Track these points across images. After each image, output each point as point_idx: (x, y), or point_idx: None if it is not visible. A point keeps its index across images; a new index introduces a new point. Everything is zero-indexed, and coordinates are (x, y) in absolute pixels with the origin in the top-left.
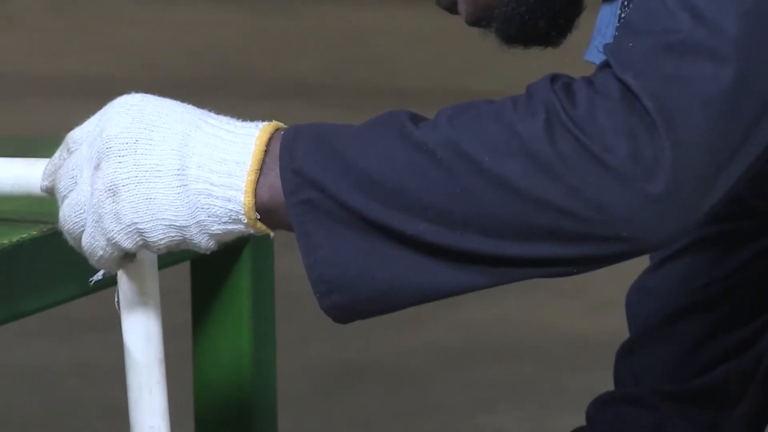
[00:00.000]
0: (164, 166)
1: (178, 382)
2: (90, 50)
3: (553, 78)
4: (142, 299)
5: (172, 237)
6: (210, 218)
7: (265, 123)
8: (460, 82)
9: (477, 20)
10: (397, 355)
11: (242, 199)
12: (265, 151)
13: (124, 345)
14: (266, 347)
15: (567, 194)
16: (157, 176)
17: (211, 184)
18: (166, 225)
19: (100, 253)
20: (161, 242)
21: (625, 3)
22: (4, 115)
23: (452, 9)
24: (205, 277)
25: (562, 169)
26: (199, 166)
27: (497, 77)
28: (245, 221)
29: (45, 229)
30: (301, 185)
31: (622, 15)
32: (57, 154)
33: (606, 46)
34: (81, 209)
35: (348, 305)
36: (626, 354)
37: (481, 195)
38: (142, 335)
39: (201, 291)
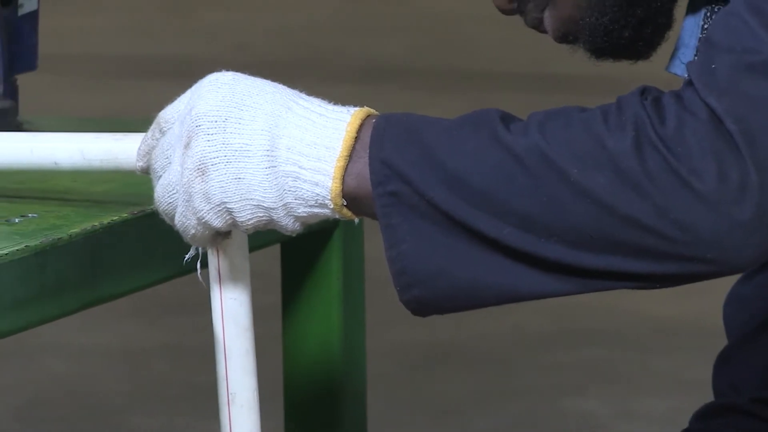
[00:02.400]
0: (253, 146)
1: (267, 364)
2: (180, 31)
3: (643, 91)
4: (233, 277)
5: (260, 217)
6: (296, 201)
7: (357, 108)
8: (546, 66)
9: (564, 36)
10: (483, 339)
11: (330, 184)
12: (356, 137)
13: (213, 323)
14: (356, 329)
15: (653, 213)
16: (246, 156)
17: (300, 167)
18: (254, 205)
19: (192, 231)
20: (249, 222)
21: (708, 14)
22: (95, 96)
23: (539, 27)
24: (295, 260)
25: (649, 188)
26: (289, 148)
27: (582, 62)
28: (331, 206)
29: (135, 212)
30: (388, 177)
31: (705, 26)
32: (149, 134)
33: (689, 66)
34: (173, 189)
35: (427, 300)
36: (723, 362)
37: (566, 206)
38: (231, 313)
39: (291, 273)
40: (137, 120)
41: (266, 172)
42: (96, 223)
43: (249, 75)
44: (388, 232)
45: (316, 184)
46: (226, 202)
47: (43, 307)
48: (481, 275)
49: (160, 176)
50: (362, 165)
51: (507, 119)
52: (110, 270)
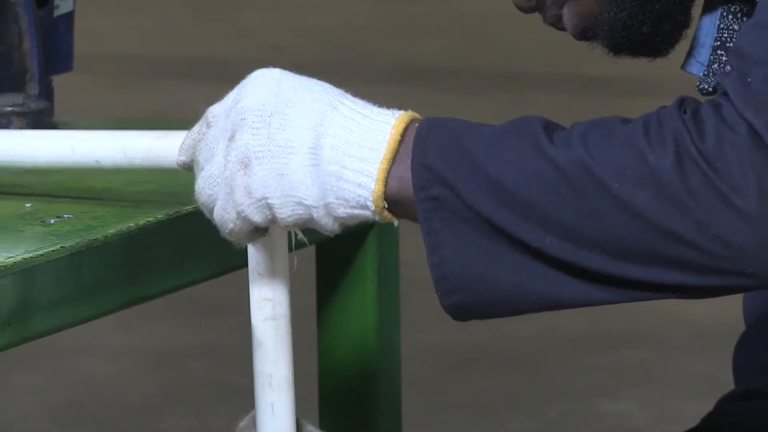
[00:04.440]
0: (298, 143)
1: (302, 366)
2: (215, 32)
3: (682, 102)
4: (271, 274)
5: (300, 215)
6: (338, 201)
7: (402, 112)
8: (580, 68)
9: (583, 32)
10: (517, 340)
11: (372, 186)
12: (400, 141)
13: (251, 318)
14: (390, 330)
15: (694, 228)
16: (290, 152)
17: (344, 167)
18: (295, 202)
19: (231, 225)
20: (289, 219)
21: (725, 14)
22: (131, 97)
23: (557, 24)
24: (330, 261)
25: (690, 203)
26: (333, 148)
27: (616, 64)
28: (372, 208)
29: (170, 213)
30: (431, 181)
31: (721, 26)
32: (196, 128)
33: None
34: (214, 181)
35: (469, 306)
36: (742, 345)
37: (608, 218)
38: (269, 310)
39: (326, 274)
40: (173, 121)
41: (309, 170)
42: (131, 224)
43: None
44: (430, 237)
45: (359, 185)
46: (267, 197)
47: (78, 307)
48: (523, 282)
49: (203, 168)
50: (405, 168)
51: (550, 128)
52: (145, 271)
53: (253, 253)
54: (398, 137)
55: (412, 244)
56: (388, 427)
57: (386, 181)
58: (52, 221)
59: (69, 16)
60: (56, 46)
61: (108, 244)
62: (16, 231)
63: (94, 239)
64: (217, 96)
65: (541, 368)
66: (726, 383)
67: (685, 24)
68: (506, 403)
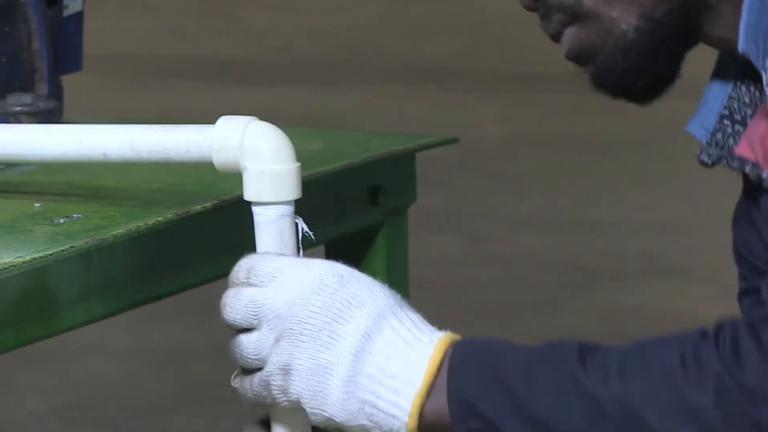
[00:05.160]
0: (337, 366)
1: None
2: (224, 33)
3: (718, 332)
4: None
5: (333, 424)
6: (371, 423)
7: (442, 335)
8: None
9: (577, 57)
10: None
11: (406, 419)
12: (436, 373)
13: None
14: None
15: None
16: (329, 373)
17: (378, 396)
18: (326, 417)
19: (252, 400)
20: (320, 424)
21: (738, 83)
22: (139, 97)
23: (556, 38)
24: (339, 261)
25: None
26: (370, 376)
27: None
28: None
29: (180, 213)
30: (468, 414)
31: (733, 95)
32: (236, 280)
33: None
34: (258, 355)
35: None
36: None
37: None
38: None
39: None
40: (181, 120)
41: (344, 396)
42: (140, 224)
43: (356, 271)
44: None
45: (393, 417)
46: (302, 405)
47: (88, 307)
48: None
49: (248, 334)
50: (441, 402)
51: (584, 355)
52: (155, 271)
53: (262, 245)
54: (435, 370)
55: (421, 244)
56: None
57: (421, 415)
58: (62, 221)
59: (78, 16)
60: (65, 46)
61: (117, 243)
62: (25, 231)
63: (104, 239)
64: (222, 96)
65: None
66: None
67: (673, 80)
68: None
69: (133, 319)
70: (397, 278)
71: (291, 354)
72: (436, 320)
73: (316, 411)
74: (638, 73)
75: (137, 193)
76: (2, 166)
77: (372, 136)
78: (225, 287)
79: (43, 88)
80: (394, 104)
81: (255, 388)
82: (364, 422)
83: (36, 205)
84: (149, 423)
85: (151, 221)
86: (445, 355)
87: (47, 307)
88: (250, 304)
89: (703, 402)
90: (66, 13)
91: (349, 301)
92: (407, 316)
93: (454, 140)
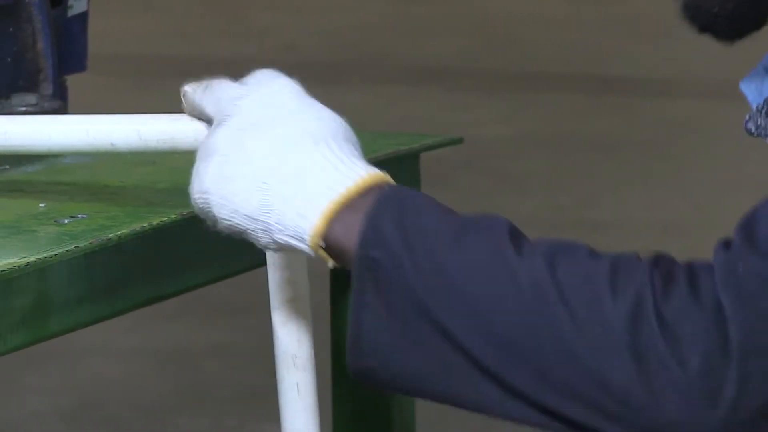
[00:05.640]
0: (260, 158)
1: (315, 364)
2: (228, 33)
3: (657, 261)
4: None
5: (235, 224)
6: (277, 225)
7: (378, 172)
8: (595, 68)
9: None
10: None
11: (315, 220)
12: (362, 193)
13: (270, 301)
14: None
15: (627, 380)
16: (248, 163)
17: (293, 194)
18: (232, 209)
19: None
20: (224, 222)
21: None
22: (144, 97)
23: None
24: None
25: (629, 359)
26: (290, 175)
27: (631, 64)
28: (308, 242)
29: (184, 213)
30: (376, 242)
31: None
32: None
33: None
34: (199, 144)
35: (374, 375)
36: None
37: (547, 347)
38: (290, 291)
39: (340, 272)
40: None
41: (258, 185)
42: (145, 224)
43: (310, 96)
44: (357, 297)
45: (302, 216)
46: (208, 193)
47: (92, 307)
48: (435, 371)
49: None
50: (355, 218)
51: (515, 236)
52: (159, 271)
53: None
54: (361, 189)
55: None
56: (403, 428)
57: (331, 223)
58: (66, 221)
59: (83, 16)
60: (70, 46)
61: (122, 244)
62: (30, 231)
63: (108, 239)
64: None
65: None
66: None
67: (759, 27)
68: None
69: (137, 320)
70: None
71: (220, 139)
72: None
73: (223, 202)
74: (733, 11)
75: (141, 194)
76: (6, 167)
77: (376, 136)
78: (229, 288)
79: (47, 88)
80: (397, 104)
81: (192, 177)
82: (270, 220)
83: (40, 205)
84: (153, 423)
85: (155, 221)
86: (375, 184)
87: (51, 308)
88: (219, 91)
89: (617, 311)
90: (71, 13)
91: (294, 112)
92: (349, 147)
93: (458, 140)
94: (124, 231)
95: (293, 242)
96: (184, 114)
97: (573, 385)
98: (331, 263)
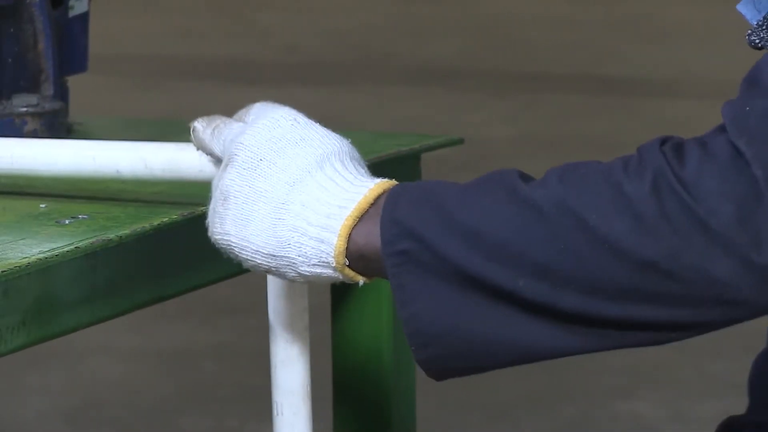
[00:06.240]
0: (271, 194)
1: (316, 366)
2: (231, 33)
3: (664, 140)
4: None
5: (258, 263)
6: (300, 258)
7: (384, 180)
8: (597, 68)
9: None
10: None
11: (334, 241)
12: (372, 203)
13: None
14: None
15: (669, 256)
16: (262, 201)
17: (308, 223)
18: (253, 249)
19: (210, 235)
20: (249, 263)
21: None
22: (146, 97)
23: None
24: None
25: (665, 230)
26: (303, 204)
27: (632, 64)
28: (333, 264)
29: (185, 213)
30: (399, 235)
31: None
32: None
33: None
34: (213, 188)
35: (443, 360)
36: (763, 364)
37: (584, 253)
38: (284, 318)
39: None
40: (188, 122)
41: (273, 222)
42: (146, 225)
43: (310, 119)
44: (400, 292)
45: (321, 241)
46: (230, 236)
47: (93, 308)
48: (496, 332)
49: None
50: (372, 224)
51: (526, 177)
52: (160, 271)
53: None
54: (371, 199)
55: None
56: (403, 428)
57: (350, 237)
58: (67, 222)
59: (84, 17)
60: (71, 46)
61: (123, 244)
62: (31, 231)
63: (109, 240)
64: (228, 96)
65: (557, 369)
66: (740, 383)
67: None
68: (523, 404)
69: (139, 320)
70: None
71: (231, 181)
72: None
73: (244, 244)
74: None
75: (142, 194)
76: None
77: (377, 136)
78: (231, 289)
79: (48, 88)
80: (400, 104)
81: (208, 217)
82: (291, 255)
83: (41, 205)
84: (155, 423)
85: (156, 222)
86: (384, 191)
87: (52, 308)
88: (225, 132)
89: (640, 191)
90: (71, 13)
91: (296, 141)
92: (354, 165)
93: (459, 141)
94: (125, 231)
95: (319, 270)
96: (190, 143)
97: (622, 282)
98: (361, 281)
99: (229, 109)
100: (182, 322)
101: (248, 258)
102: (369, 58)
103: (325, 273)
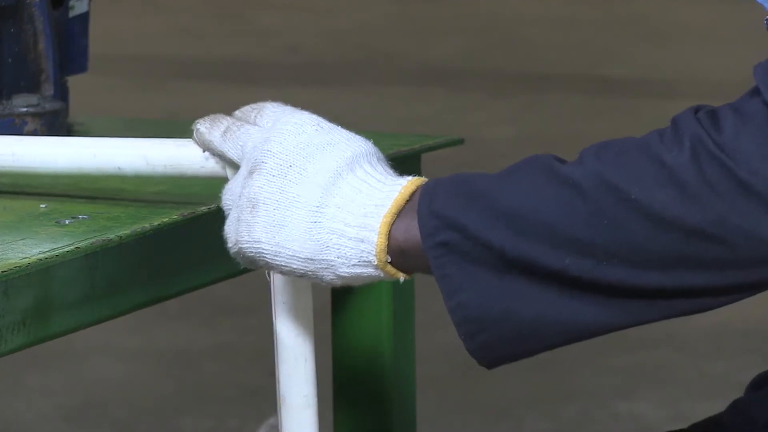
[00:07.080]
0: (305, 199)
1: (317, 366)
2: (232, 33)
3: (697, 109)
4: (289, 290)
5: (294, 268)
6: (339, 259)
7: (415, 177)
8: (600, 69)
9: None
10: None
11: (375, 239)
12: (408, 199)
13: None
14: (405, 331)
15: (714, 221)
16: (295, 206)
17: (346, 224)
18: (289, 255)
19: (230, 246)
20: (282, 269)
21: None
22: (146, 98)
23: None
24: None
25: (709, 196)
26: (338, 207)
27: (633, 65)
28: (375, 263)
29: (185, 214)
30: (439, 227)
31: None
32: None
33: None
34: (232, 196)
35: (494, 346)
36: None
37: (628, 226)
38: (287, 321)
39: None
40: (188, 122)
41: (309, 226)
42: (146, 225)
43: (332, 123)
44: (445, 283)
45: (361, 241)
46: (262, 243)
47: (93, 308)
48: (544, 313)
49: (229, 179)
50: (411, 219)
51: (560, 159)
52: (161, 271)
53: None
54: (407, 195)
55: None
56: (403, 427)
57: (390, 234)
58: (67, 222)
59: (84, 17)
60: (71, 46)
61: (123, 244)
62: (31, 232)
63: (109, 240)
64: (229, 97)
65: (558, 369)
66: (740, 383)
67: None
68: (523, 404)
69: (139, 320)
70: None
71: (260, 188)
72: (444, 318)
73: (278, 250)
74: None
75: (143, 194)
76: None
77: (378, 136)
78: (231, 289)
79: (49, 89)
80: (402, 105)
81: (227, 227)
82: (331, 257)
83: (41, 206)
84: (156, 423)
85: (156, 222)
86: (417, 187)
87: (53, 308)
88: (243, 136)
89: (679, 159)
90: (72, 14)
91: (324, 145)
92: (382, 165)
93: (459, 141)
94: (125, 231)
95: (359, 270)
96: (191, 140)
97: (669, 251)
98: (402, 277)
99: (230, 109)
100: (182, 322)
101: (282, 264)
102: (369, 59)
103: (365, 272)
